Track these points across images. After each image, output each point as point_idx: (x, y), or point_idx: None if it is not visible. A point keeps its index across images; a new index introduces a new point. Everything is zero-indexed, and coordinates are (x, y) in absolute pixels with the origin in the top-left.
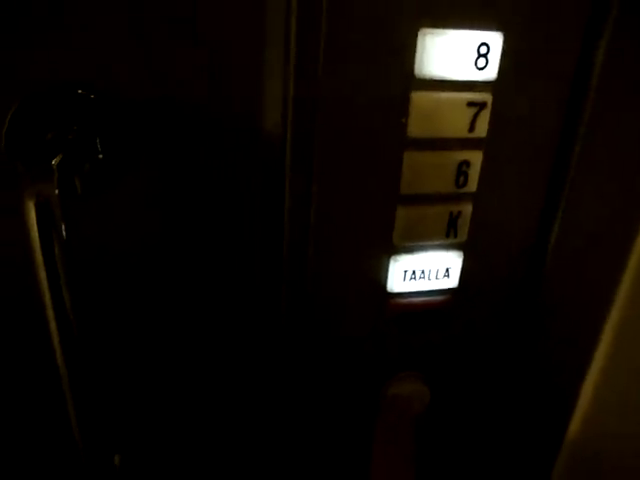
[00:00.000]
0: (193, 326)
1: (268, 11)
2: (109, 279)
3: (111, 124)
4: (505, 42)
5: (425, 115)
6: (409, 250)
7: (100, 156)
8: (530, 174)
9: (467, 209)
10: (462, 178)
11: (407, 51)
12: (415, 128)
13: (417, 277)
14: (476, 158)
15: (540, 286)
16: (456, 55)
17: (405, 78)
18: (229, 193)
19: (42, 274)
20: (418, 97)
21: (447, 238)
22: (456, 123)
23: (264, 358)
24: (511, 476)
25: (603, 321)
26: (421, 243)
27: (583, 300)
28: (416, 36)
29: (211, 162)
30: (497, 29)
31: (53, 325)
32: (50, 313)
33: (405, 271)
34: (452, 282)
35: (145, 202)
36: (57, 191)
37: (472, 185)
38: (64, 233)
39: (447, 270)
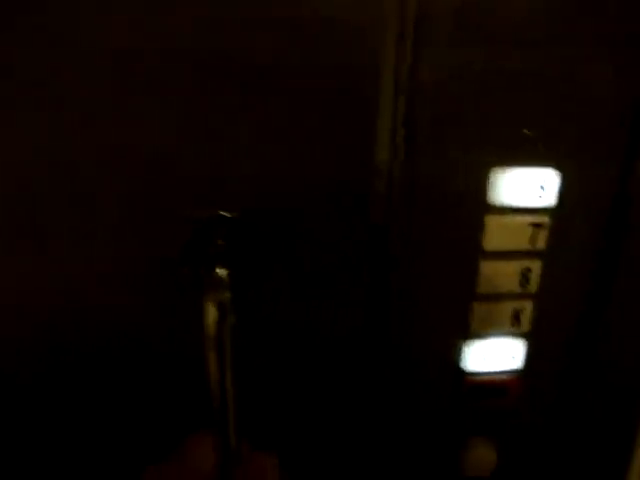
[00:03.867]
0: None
1: None
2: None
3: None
4: (561, 178)
5: (496, 233)
6: (481, 336)
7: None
8: (581, 277)
9: (529, 306)
10: (525, 281)
11: (483, 185)
12: (489, 243)
13: (487, 358)
14: (536, 266)
15: (595, 367)
16: (521, 188)
17: (481, 205)
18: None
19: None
20: (491, 220)
21: (512, 328)
22: (521, 239)
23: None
24: None
25: None
26: (490, 331)
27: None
28: (489, 174)
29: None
30: (555, 169)
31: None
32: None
33: (478, 353)
34: (517, 364)
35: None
36: (230, 294)
37: (533, 287)
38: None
39: (512, 354)
